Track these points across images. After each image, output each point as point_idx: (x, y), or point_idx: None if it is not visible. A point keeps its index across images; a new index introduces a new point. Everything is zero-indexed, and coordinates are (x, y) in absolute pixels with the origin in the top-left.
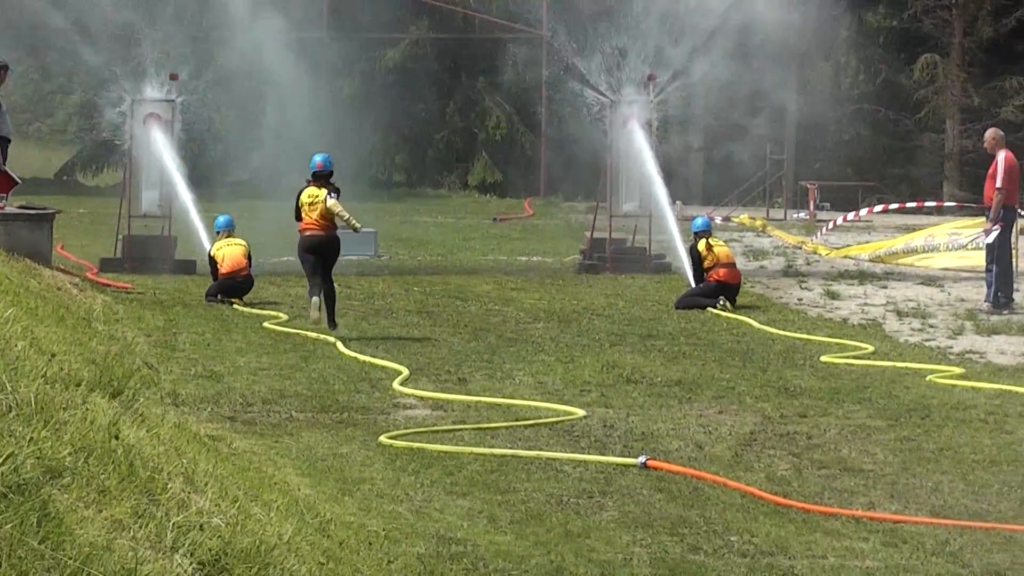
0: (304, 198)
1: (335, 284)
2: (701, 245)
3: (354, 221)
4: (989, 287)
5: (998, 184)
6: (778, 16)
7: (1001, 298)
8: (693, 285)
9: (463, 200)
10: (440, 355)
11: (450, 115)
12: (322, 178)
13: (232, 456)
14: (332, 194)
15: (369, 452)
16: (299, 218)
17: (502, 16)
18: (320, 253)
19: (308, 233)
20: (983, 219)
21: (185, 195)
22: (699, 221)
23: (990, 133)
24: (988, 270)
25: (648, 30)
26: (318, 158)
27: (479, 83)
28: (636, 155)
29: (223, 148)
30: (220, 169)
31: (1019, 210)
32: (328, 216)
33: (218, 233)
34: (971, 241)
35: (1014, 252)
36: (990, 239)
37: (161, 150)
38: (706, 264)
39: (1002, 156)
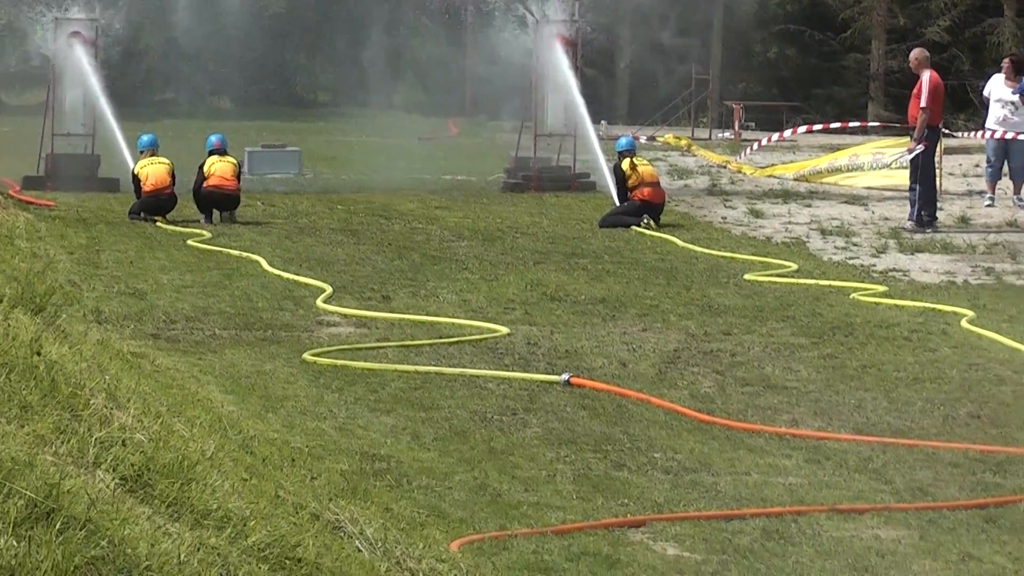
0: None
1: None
2: (625, 164)
3: None
4: (912, 206)
5: (922, 104)
6: None
7: (924, 216)
8: (617, 204)
9: (388, 119)
10: (364, 273)
11: (375, 34)
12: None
13: (155, 373)
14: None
15: (293, 369)
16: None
17: None
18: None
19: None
20: (907, 139)
21: (109, 114)
22: (623, 141)
23: (915, 53)
24: (912, 189)
25: None
26: (214, 138)
27: (405, 1)
28: (560, 74)
29: (146, 67)
30: (144, 88)
31: (942, 130)
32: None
33: (142, 152)
34: (895, 160)
35: (938, 171)
36: (911, 156)
37: (84, 69)
38: (630, 183)
39: (926, 76)
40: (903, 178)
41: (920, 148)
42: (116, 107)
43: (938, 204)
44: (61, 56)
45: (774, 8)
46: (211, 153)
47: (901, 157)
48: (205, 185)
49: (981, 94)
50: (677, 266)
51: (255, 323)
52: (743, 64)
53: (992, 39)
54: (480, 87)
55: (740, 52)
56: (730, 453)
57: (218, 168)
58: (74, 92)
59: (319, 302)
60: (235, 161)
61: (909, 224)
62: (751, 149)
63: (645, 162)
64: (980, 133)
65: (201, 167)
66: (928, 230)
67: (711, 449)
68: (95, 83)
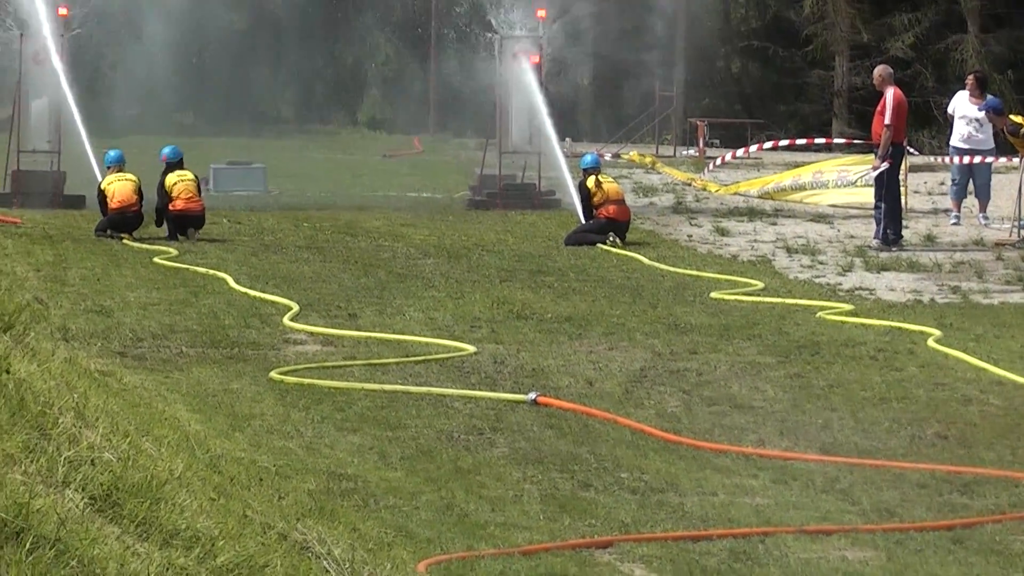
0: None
1: None
2: (590, 181)
3: None
4: (878, 224)
5: (887, 121)
6: None
7: (890, 235)
8: (583, 221)
9: (352, 136)
10: (330, 291)
11: (339, 51)
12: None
13: (123, 391)
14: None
15: (260, 388)
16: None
17: None
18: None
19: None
20: (872, 156)
21: (81, 127)
22: (588, 158)
23: (879, 70)
24: (876, 207)
25: None
26: (167, 150)
27: (368, 18)
28: (525, 91)
29: (111, 82)
30: (109, 104)
31: (906, 147)
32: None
33: (108, 168)
34: (860, 178)
35: (903, 189)
36: (876, 174)
37: (52, 83)
38: (595, 200)
39: (890, 93)
40: (868, 196)
41: (884, 166)
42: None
43: (903, 222)
44: (27, 73)
45: (737, 24)
46: (168, 167)
47: (866, 175)
48: (172, 208)
49: (945, 111)
50: (643, 284)
51: (222, 341)
52: (707, 80)
53: (956, 56)
54: (444, 104)
55: (703, 68)
56: (697, 473)
57: (181, 189)
58: (40, 108)
59: (286, 320)
60: (195, 176)
61: (874, 242)
62: (713, 165)
63: (610, 179)
64: (947, 158)
65: (162, 184)
66: (894, 248)
67: (678, 469)
68: (67, 99)
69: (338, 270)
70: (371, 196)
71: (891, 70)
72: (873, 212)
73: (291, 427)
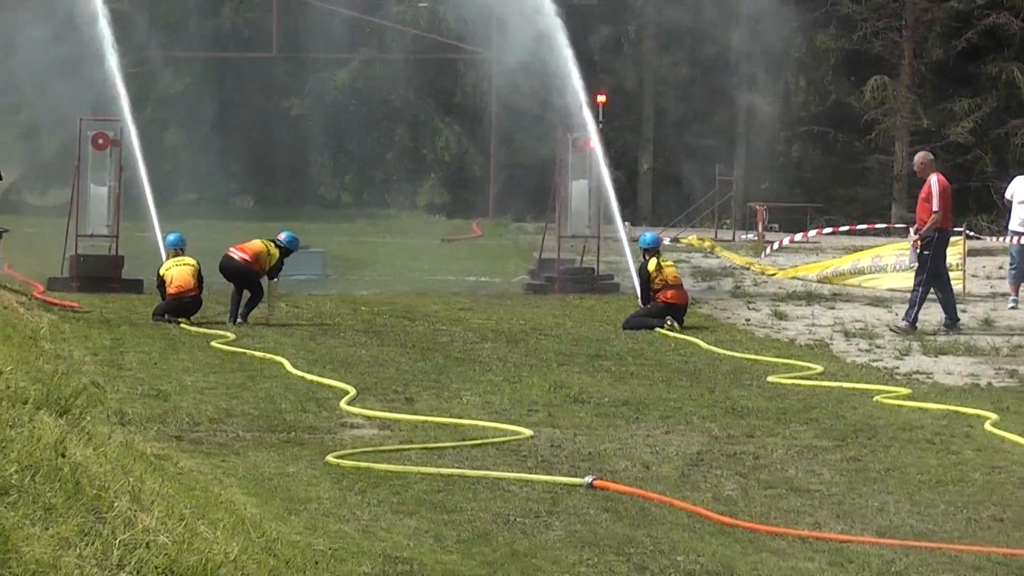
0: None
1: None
2: (651, 265)
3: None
4: (911, 306)
5: (934, 207)
6: (733, 40)
7: (946, 320)
8: (641, 305)
9: (411, 220)
10: (387, 375)
11: (399, 136)
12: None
13: (178, 475)
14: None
15: (316, 471)
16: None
17: (452, 36)
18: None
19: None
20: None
21: (152, 213)
22: (648, 236)
23: (920, 157)
24: (914, 289)
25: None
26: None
27: (429, 104)
28: (586, 176)
29: (172, 167)
30: (169, 189)
31: (966, 231)
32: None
33: (167, 251)
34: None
35: (962, 273)
36: (914, 259)
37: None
38: (655, 285)
39: (934, 179)
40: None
41: (914, 248)
42: (141, 208)
43: (959, 306)
44: (85, 158)
45: (797, 109)
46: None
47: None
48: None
49: (1003, 196)
50: (700, 368)
51: (278, 425)
52: (766, 165)
53: (1016, 140)
54: (504, 188)
55: (764, 153)
56: (753, 556)
57: (176, 274)
58: (99, 193)
59: (342, 404)
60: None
61: (903, 323)
62: (771, 249)
63: (670, 263)
64: (1008, 237)
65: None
66: (941, 332)
67: (734, 552)
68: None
69: (396, 354)
70: (429, 280)
71: (932, 156)
72: (911, 294)
73: (347, 510)
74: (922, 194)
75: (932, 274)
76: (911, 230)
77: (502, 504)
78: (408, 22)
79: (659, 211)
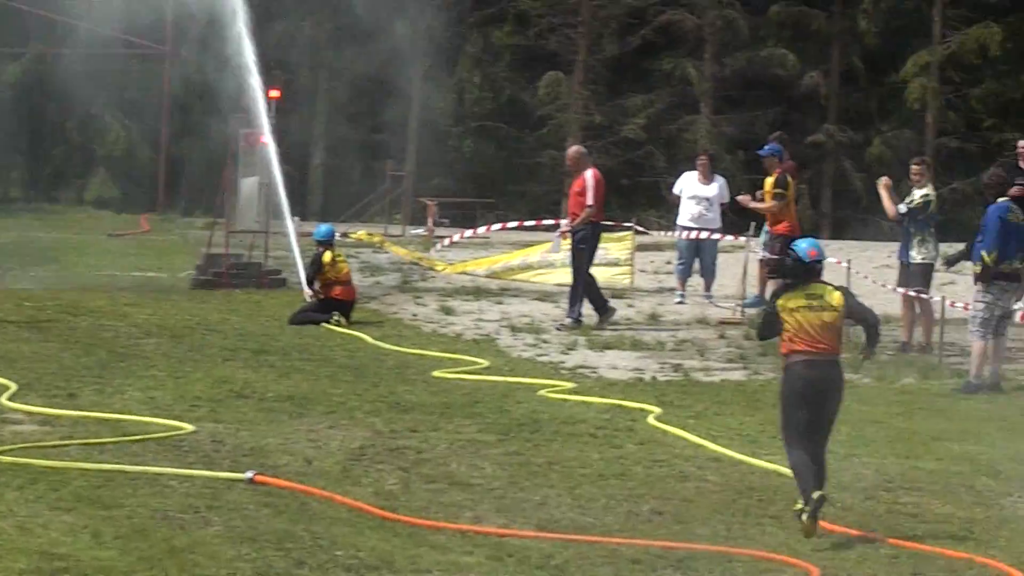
0: None
1: None
2: (326, 257)
3: None
4: (573, 303)
5: (589, 201)
6: (408, 36)
7: (571, 315)
8: (306, 290)
9: (79, 215)
10: (50, 370)
11: (69, 130)
12: None
13: None
14: None
15: None
16: None
17: (128, 32)
18: None
19: None
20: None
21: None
22: (323, 229)
23: (573, 152)
24: (574, 285)
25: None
26: None
27: (100, 97)
28: (257, 171)
29: None
30: None
31: (637, 227)
32: None
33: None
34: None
35: (631, 268)
36: (557, 248)
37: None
38: (326, 278)
39: (590, 174)
40: (596, 275)
41: (560, 239)
42: None
43: (626, 300)
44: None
45: (470, 105)
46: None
47: (553, 248)
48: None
49: (672, 191)
50: (366, 363)
51: None
52: (438, 160)
53: (688, 136)
54: (174, 183)
55: (435, 148)
56: (412, 550)
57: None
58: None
59: (3, 399)
60: None
61: (568, 320)
62: (441, 245)
63: (343, 259)
64: (676, 232)
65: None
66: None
67: (393, 546)
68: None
69: (58, 350)
70: (96, 276)
71: (586, 151)
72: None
73: (4, 507)
74: (575, 188)
75: (587, 267)
76: (562, 223)
77: (161, 500)
78: (82, 16)
79: (330, 206)
